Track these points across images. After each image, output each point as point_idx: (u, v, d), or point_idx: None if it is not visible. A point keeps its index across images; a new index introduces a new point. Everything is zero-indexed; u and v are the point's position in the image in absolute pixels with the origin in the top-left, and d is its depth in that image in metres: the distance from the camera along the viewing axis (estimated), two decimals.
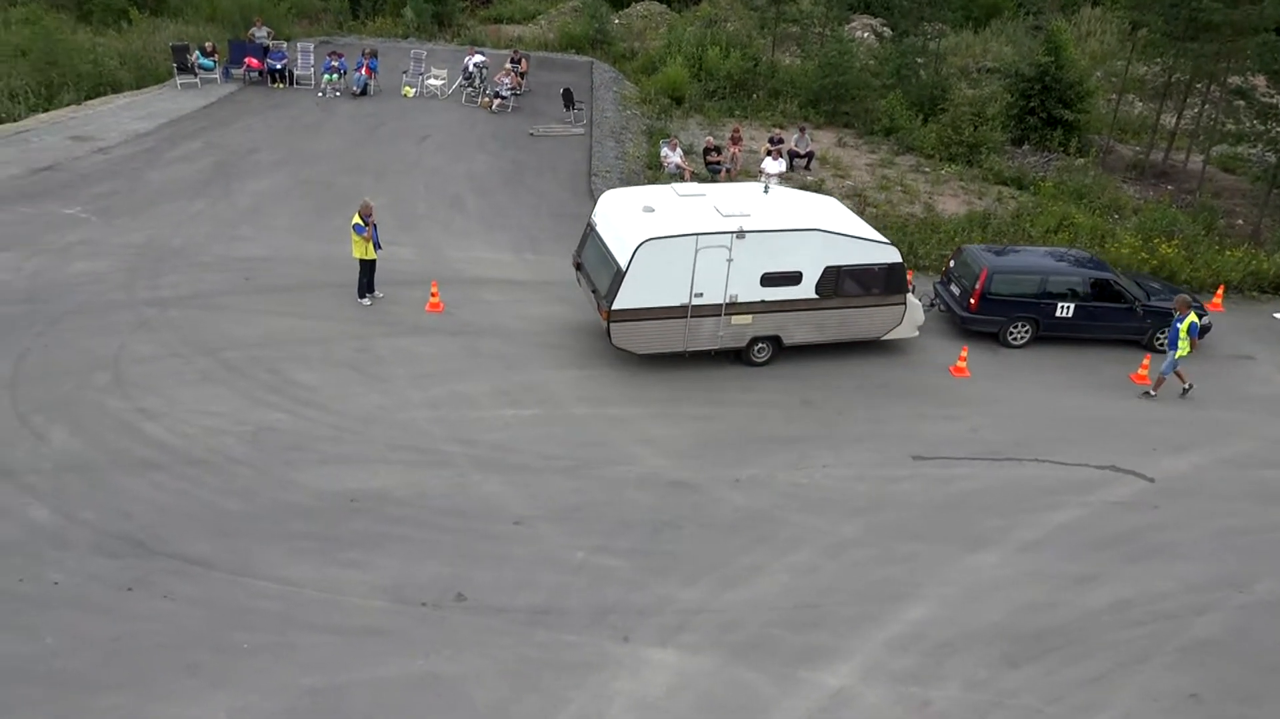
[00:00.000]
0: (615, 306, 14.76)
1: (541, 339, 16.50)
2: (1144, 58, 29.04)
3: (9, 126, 24.11)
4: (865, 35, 35.86)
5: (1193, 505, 13.90)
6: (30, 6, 30.28)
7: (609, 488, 13.12)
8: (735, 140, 25.16)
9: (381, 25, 36.30)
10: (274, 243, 19.08)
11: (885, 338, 16.78)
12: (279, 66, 28.89)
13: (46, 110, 25.43)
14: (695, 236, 14.80)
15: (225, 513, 11.91)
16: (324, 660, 10.05)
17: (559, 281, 18.27)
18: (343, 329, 16.12)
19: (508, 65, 29.68)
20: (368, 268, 16.87)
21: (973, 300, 17.39)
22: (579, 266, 16.47)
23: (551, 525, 12.31)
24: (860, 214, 22.60)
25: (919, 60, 30.48)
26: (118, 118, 25.36)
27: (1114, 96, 31.51)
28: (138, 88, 28.00)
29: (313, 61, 29.44)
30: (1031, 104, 28.71)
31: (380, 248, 16.89)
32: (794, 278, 15.55)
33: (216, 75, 28.73)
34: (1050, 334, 17.77)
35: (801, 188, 24.55)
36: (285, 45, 30.32)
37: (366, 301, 16.98)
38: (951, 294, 18.12)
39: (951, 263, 18.66)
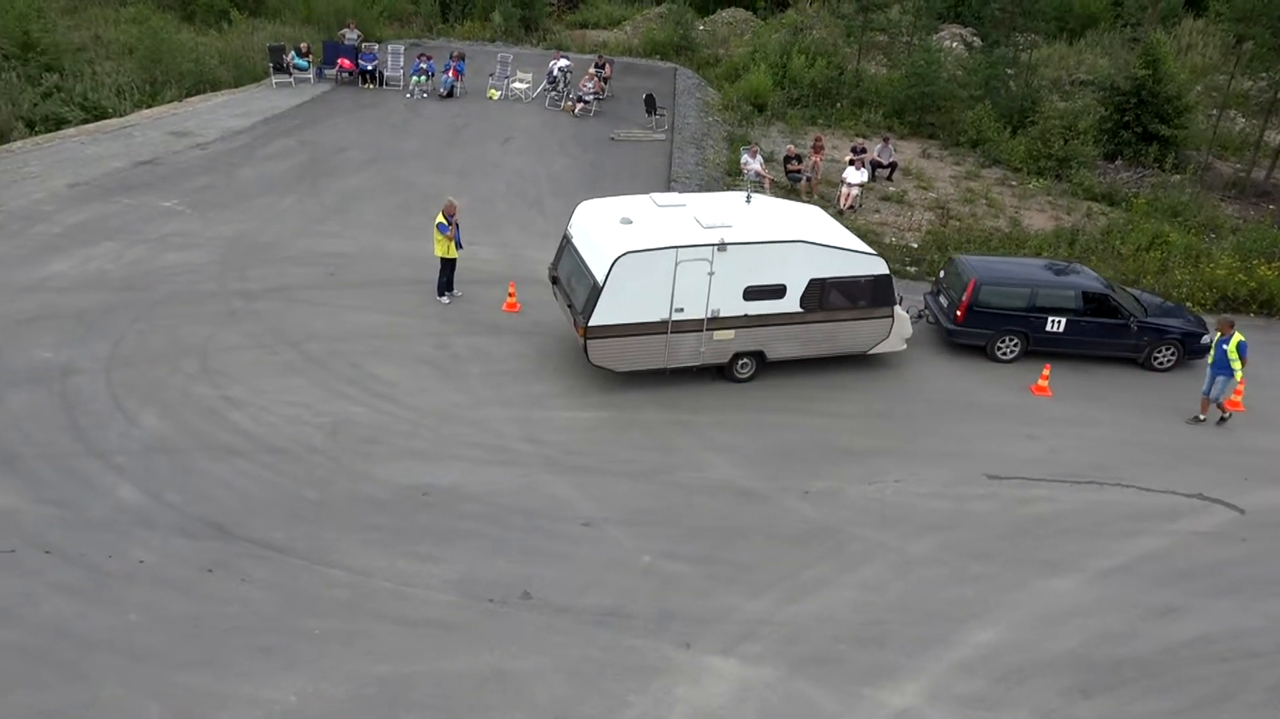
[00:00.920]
0: (592, 323, 14.14)
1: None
2: (1249, 72, 27.98)
3: (115, 121, 25.16)
4: (954, 45, 35.22)
5: None
6: (139, 6, 31.59)
7: (678, 494, 13.10)
8: (817, 149, 24.93)
9: (470, 29, 36.94)
10: (358, 239, 19.54)
11: (872, 352, 16.20)
12: (370, 67, 29.61)
13: (150, 106, 26.48)
14: (675, 249, 14.23)
15: (302, 501, 12.22)
16: (392, 650, 10.23)
17: None
18: (421, 326, 16.41)
19: (592, 70, 29.92)
20: (448, 266, 17.15)
21: (959, 312, 16.77)
22: (555, 280, 15.84)
23: (619, 528, 12.34)
24: (943, 227, 22.39)
25: (1009, 71, 29.85)
26: (216, 115, 26.28)
27: (1214, 112, 30.38)
28: (236, 86, 28.98)
29: (402, 63, 30.09)
30: (1126, 118, 27.88)
31: (462, 247, 17.17)
32: (778, 291, 14.99)
33: (310, 75, 29.58)
34: (1040, 349, 17.09)
35: (883, 199, 24.27)
36: (376, 47, 31.05)
37: (445, 300, 17.26)
38: (940, 305, 17.50)
39: (942, 273, 18.07)
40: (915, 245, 21.53)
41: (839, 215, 22.84)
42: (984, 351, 17.07)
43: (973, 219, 23.33)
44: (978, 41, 33.23)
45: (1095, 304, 17.00)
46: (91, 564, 10.93)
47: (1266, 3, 26.25)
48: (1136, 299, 17.79)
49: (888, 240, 21.76)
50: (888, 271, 15.55)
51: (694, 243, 14.35)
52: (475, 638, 10.49)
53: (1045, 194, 25.33)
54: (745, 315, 14.98)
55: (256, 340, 15.61)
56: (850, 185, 23.27)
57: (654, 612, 11.08)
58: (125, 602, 10.48)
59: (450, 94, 28.97)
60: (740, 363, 15.45)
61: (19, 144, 23.14)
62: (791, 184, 24.13)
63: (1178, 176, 26.41)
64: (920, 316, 17.49)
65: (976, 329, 16.88)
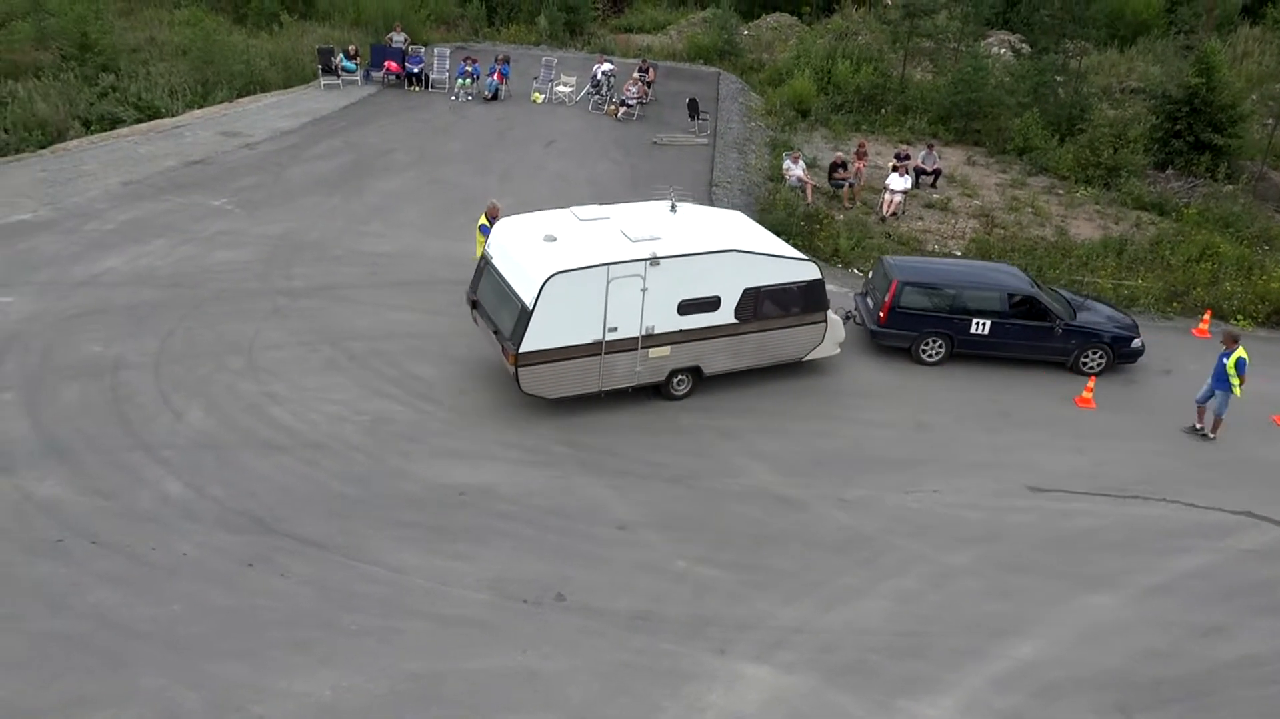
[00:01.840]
0: (523, 349, 13.37)
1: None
2: None
3: (168, 121, 25.67)
4: (1002, 51, 34.82)
5: None
6: (193, 9, 32.20)
7: (714, 499, 13.07)
8: (860, 155, 24.78)
9: (515, 32, 37.21)
10: (401, 239, 19.75)
11: (807, 359, 15.87)
12: (416, 70, 29.93)
13: (201, 107, 26.99)
14: (606, 267, 13.54)
15: (341, 497, 12.36)
16: (426, 647, 10.31)
17: None
18: (461, 326, 16.51)
19: (635, 74, 30.00)
20: None
21: (882, 314, 16.56)
22: (474, 305, 15.00)
23: (654, 532, 12.34)
24: (987, 235, 22.12)
25: (1058, 79, 29.41)
26: (265, 115, 26.72)
27: (1270, 121, 29.69)
28: (285, 87, 29.45)
29: (448, 66, 30.39)
30: (1178, 127, 27.32)
31: None
32: (712, 303, 14.51)
33: (357, 77, 29.97)
34: (965, 352, 16.87)
35: (927, 206, 24.04)
36: (423, 50, 31.38)
37: None
38: (866, 307, 17.29)
39: (870, 274, 17.89)
40: (959, 254, 21.30)
41: (881, 222, 22.71)
42: (909, 353, 16.86)
43: (1018, 227, 23.03)
44: (1026, 48, 32.82)
45: (1022, 306, 16.75)
46: (136, 555, 11.15)
47: None
48: (1068, 302, 17.46)
49: (930, 248, 21.55)
50: (820, 276, 15.25)
51: (625, 259, 13.71)
52: (509, 637, 10.54)
53: (1093, 203, 24.93)
54: (680, 330, 14.43)
55: (300, 338, 15.83)
56: (893, 192, 23.08)
57: (688, 617, 11.05)
58: (168, 593, 10.67)
59: (495, 97, 29.20)
60: (676, 379, 14.89)
61: (75, 143, 23.70)
62: (834, 190, 23.98)
63: (1230, 187, 25.84)
64: (849, 318, 17.12)
65: (899, 330, 16.68)
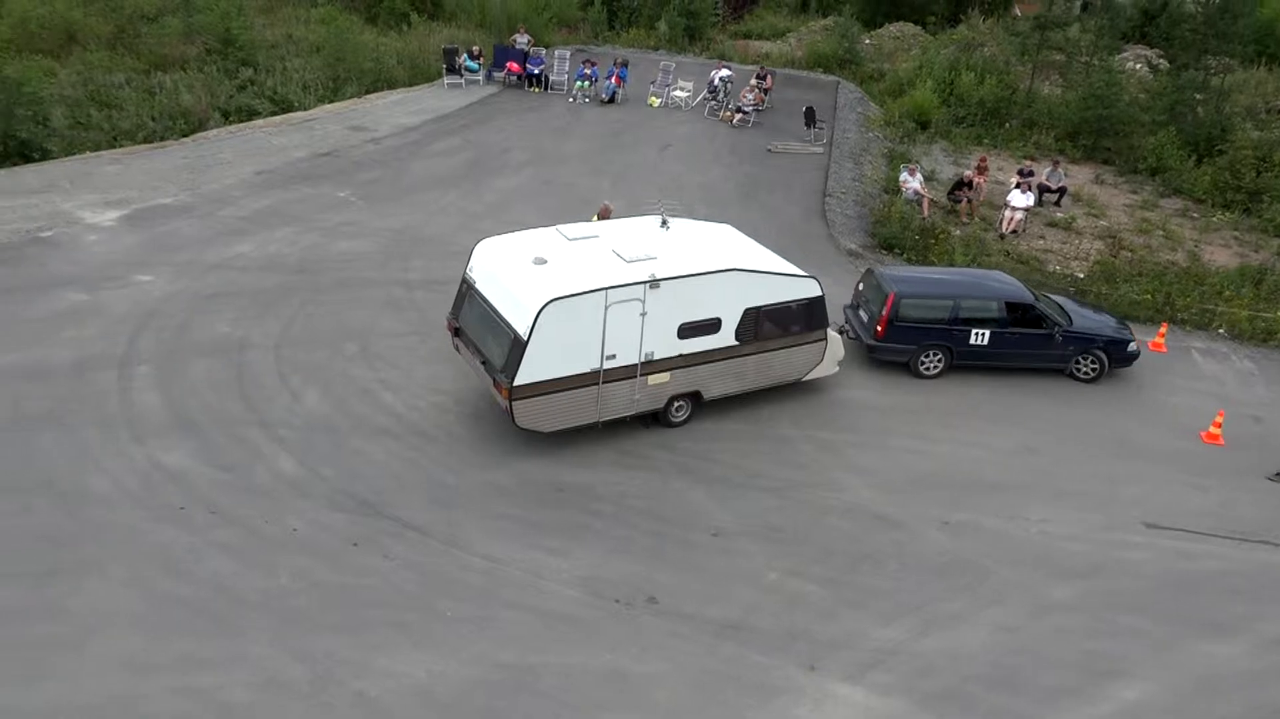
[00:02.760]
0: (518, 382, 12.48)
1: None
2: None
3: (299, 114, 26.77)
4: (1138, 67, 33.43)
5: None
6: (328, 8, 33.52)
7: (811, 512, 12.91)
8: (981, 170, 24.13)
9: (635, 36, 37.54)
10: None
11: (806, 378, 15.13)
12: (536, 72, 30.48)
13: (331, 102, 28.05)
14: (604, 291, 12.68)
15: (444, 486, 12.66)
16: (518, 638, 10.47)
17: None
18: None
19: (753, 81, 29.89)
20: None
21: (879, 327, 15.92)
22: (457, 332, 14.12)
23: (749, 541, 12.25)
24: (1113, 257, 21.26)
25: (1197, 96, 28.08)
26: (390, 112, 27.61)
27: None
28: (410, 85, 30.36)
29: (567, 68, 30.84)
30: None
31: None
32: (713, 325, 13.74)
33: (479, 77, 30.69)
34: (965, 363, 16.31)
35: (1049, 224, 23.25)
36: (544, 52, 31.93)
37: None
38: (860, 320, 16.60)
39: (860, 285, 17.07)
40: (1081, 275, 20.52)
41: (1000, 239, 22.06)
42: (907, 368, 16.26)
43: (1147, 250, 22.08)
44: (1164, 64, 31.46)
45: (1019, 314, 16.27)
46: (251, 527, 11.65)
47: None
48: (1061, 307, 17.03)
49: (1051, 268, 20.83)
50: (821, 293, 14.54)
51: (624, 281, 12.88)
52: (599, 636, 10.62)
53: (1231, 229, 23.71)
54: (681, 355, 13.68)
55: (412, 328, 16.29)
56: (1014, 209, 22.40)
57: (779, 629, 10.94)
58: (278, 566, 11.11)
59: (612, 100, 29.50)
60: (675, 406, 14.15)
61: (215, 132, 24.92)
62: (952, 205, 23.41)
63: None
64: (841, 332, 16.39)
65: (898, 344, 16.07)
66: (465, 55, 30.73)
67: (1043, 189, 24.22)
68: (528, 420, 12.91)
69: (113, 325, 15.51)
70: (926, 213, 22.73)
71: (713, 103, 29.56)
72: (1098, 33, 32.15)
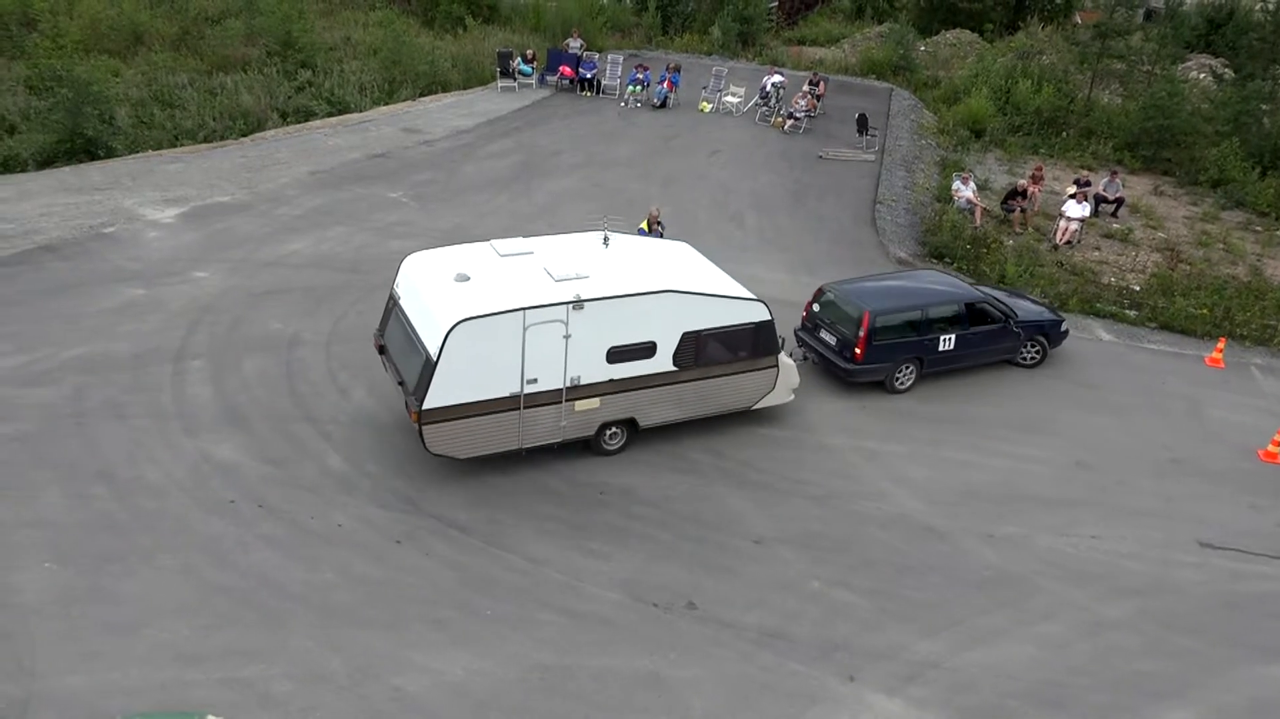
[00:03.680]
0: (427, 406, 11.77)
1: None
2: None
3: (355, 116, 27.19)
4: (1201, 76, 32.65)
5: None
6: (386, 11, 34.00)
7: (855, 522, 12.78)
8: (1036, 179, 23.74)
9: (688, 41, 37.54)
10: None
11: (756, 407, 14.32)
12: (589, 76, 30.61)
13: (386, 104, 28.44)
14: (522, 312, 11.96)
15: (485, 484, 12.74)
16: (556, 640, 10.50)
17: None
18: None
19: (805, 87, 29.74)
20: None
21: (858, 350, 15.15)
22: (382, 350, 13.49)
23: (791, 550, 12.17)
24: (1170, 270, 20.78)
25: (1264, 107, 27.34)
26: (444, 114, 27.92)
27: None
28: (464, 88, 30.68)
29: (620, 72, 30.93)
30: None
31: None
32: (647, 349, 12.94)
33: (533, 80, 30.92)
34: (933, 370, 16.01)
35: (1105, 236, 22.81)
36: (597, 56, 32.08)
37: None
38: (825, 343, 15.80)
39: (815, 306, 16.17)
40: (1137, 288, 20.09)
41: (1054, 250, 21.68)
42: (883, 386, 15.72)
43: (1206, 264, 21.54)
44: (1229, 73, 30.68)
45: (976, 313, 16.07)
46: (296, 522, 11.84)
47: None
48: (998, 298, 16.76)
49: (1106, 280, 20.42)
50: (770, 317, 13.67)
51: (544, 302, 12.14)
52: (637, 639, 10.61)
53: None
54: (611, 380, 12.89)
55: None
56: (1070, 219, 22.00)
57: (818, 639, 10.85)
58: (322, 560, 11.28)
59: (663, 104, 29.53)
60: (609, 433, 13.38)
61: (272, 132, 25.41)
62: (1005, 214, 23.06)
63: None
64: (805, 358, 16.00)
65: (877, 364, 15.43)
66: (519, 59, 30.99)
67: (1099, 200, 23.76)
68: (440, 446, 12.19)
69: (169, 320, 15.87)
70: (979, 222, 22.41)
71: (764, 108, 29.44)
72: (1160, 41, 31.51)
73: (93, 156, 22.66)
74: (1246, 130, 26.91)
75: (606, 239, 13.98)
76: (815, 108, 29.18)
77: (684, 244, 15.16)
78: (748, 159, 25.85)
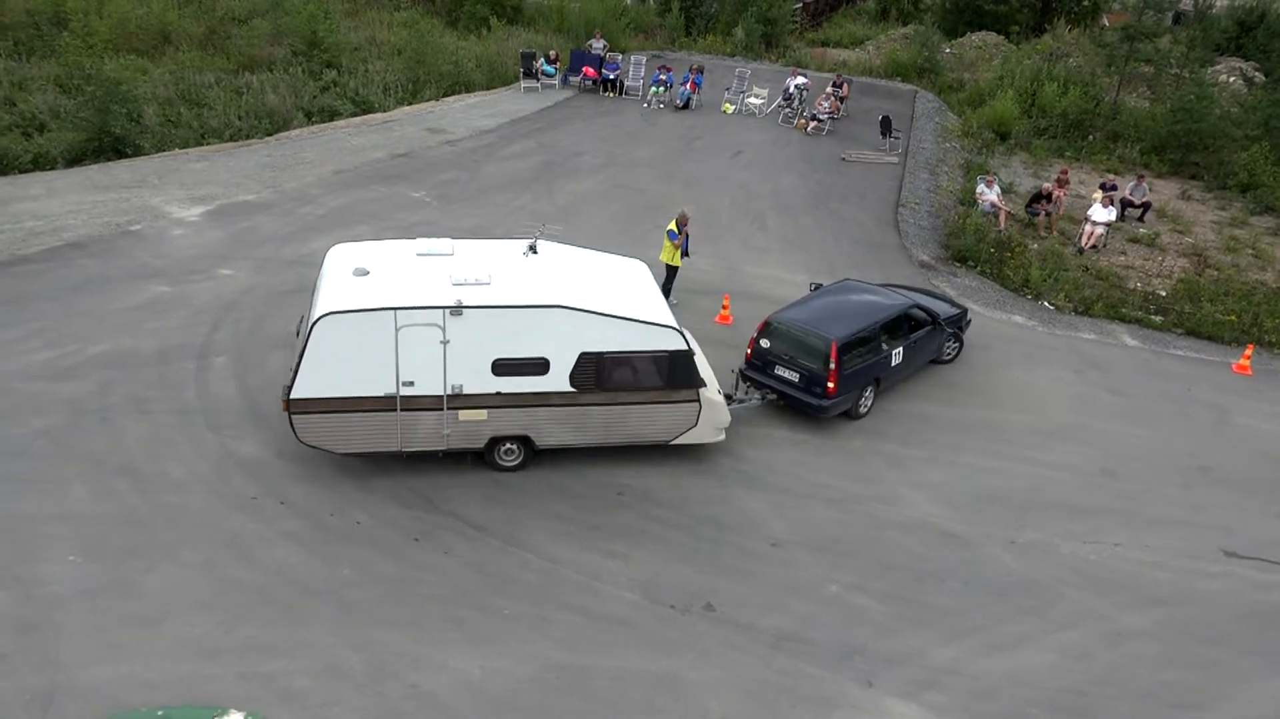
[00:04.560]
0: (294, 395, 11.76)
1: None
2: None
3: (379, 116, 27.35)
4: (1231, 80, 32.28)
5: None
6: (411, 11, 34.17)
7: (874, 526, 12.71)
8: (1061, 183, 23.55)
9: (711, 42, 37.51)
10: (584, 240, 20.18)
11: (676, 442, 13.24)
12: (612, 77, 30.65)
13: (410, 104, 28.60)
14: (394, 311, 11.70)
15: (506, 485, 12.77)
16: (573, 640, 10.51)
17: None
18: None
19: (829, 89, 29.64)
20: (671, 273, 17.50)
21: (830, 384, 14.06)
22: (298, 333, 13.32)
23: (809, 553, 12.12)
24: (1198, 276, 20.54)
25: None
26: (467, 114, 28.03)
27: None
28: (488, 88, 30.80)
29: (643, 74, 30.96)
30: None
31: (688, 255, 17.54)
32: (538, 365, 12.29)
33: (556, 81, 31.01)
34: (885, 388, 15.38)
35: (1131, 240, 22.59)
36: (620, 57, 32.10)
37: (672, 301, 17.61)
38: (785, 381, 14.49)
39: (763, 341, 14.76)
40: (1163, 293, 19.88)
41: (1079, 254, 21.49)
42: (847, 415, 14.81)
43: (1234, 270, 21.29)
44: (1260, 77, 30.31)
45: (912, 320, 15.52)
46: (317, 519, 11.91)
47: None
48: (912, 298, 16.21)
49: (1132, 285, 20.23)
50: (687, 348, 12.71)
51: (420, 304, 11.82)
52: (654, 641, 10.60)
53: None
54: (498, 393, 12.33)
55: None
56: (1095, 223, 21.80)
57: (836, 643, 10.80)
58: (341, 557, 11.34)
59: (686, 105, 29.52)
60: (503, 448, 12.84)
61: (297, 132, 25.60)
62: (1030, 218, 22.89)
63: None
64: (764, 398, 14.74)
65: (844, 396, 14.36)
66: (542, 60, 31.07)
67: (1125, 204, 23.54)
68: (313, 438, 12.14)
69: (194, 317, 16.01)
70: (1003, 225, 22.25)
71: (787, 110, 29.38)
72: (1189, 44, 31.20)
73: (120, 155, 22.91)
74: (1277, 134, 26.57)
75: (533, 248, 13.44)
76: (838, 110, 29.08)
77: (636, 261, 14.32)
78: (770, 161, 25.79)
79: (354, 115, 27.16)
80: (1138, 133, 28.44)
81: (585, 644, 10.48)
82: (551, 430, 12.77)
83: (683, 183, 23.68)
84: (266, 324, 16.01)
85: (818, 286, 16.47)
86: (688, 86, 29.67)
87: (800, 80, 29.93)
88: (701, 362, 13.55)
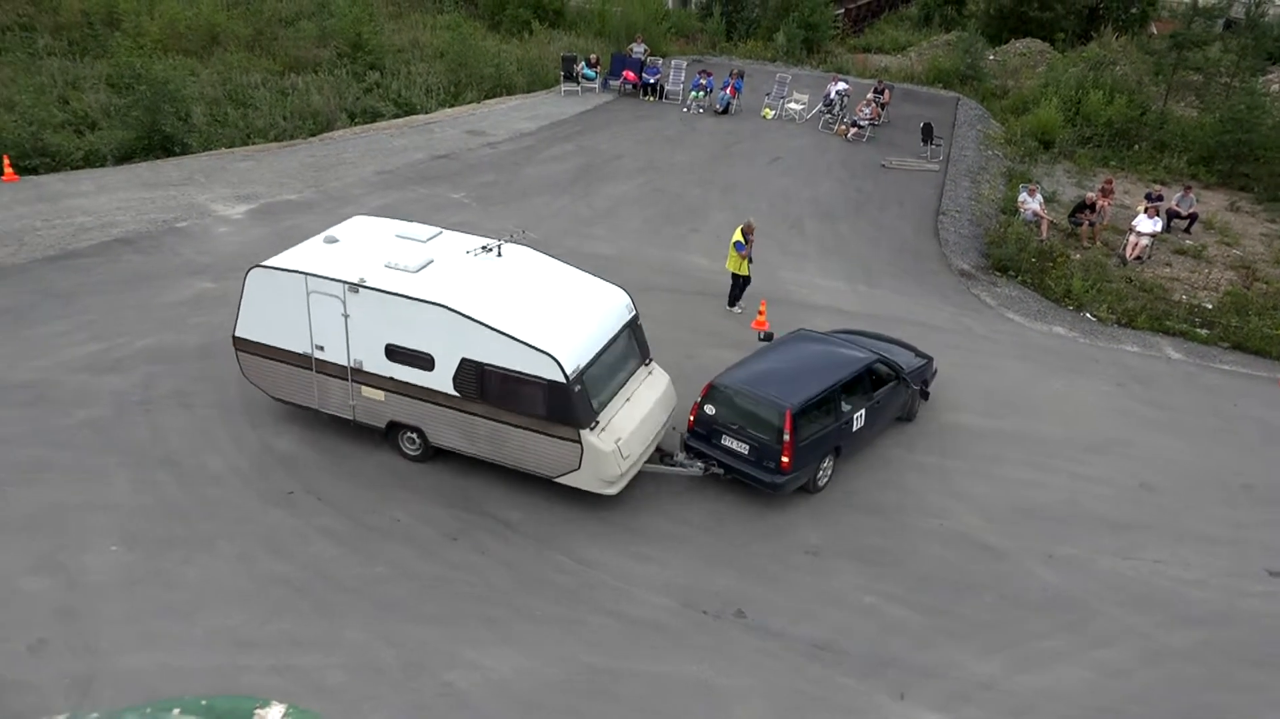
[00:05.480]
0: (235, 334, 13.06)
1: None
2: None
3: (421, 118, 27.59)
4: None
5: None
6: (454, 14, 34.45)
7: (911, 537, 12.59)
8: (1106, 193, 23.21)
9: (752, 47, 37.44)
10: (621, 244, 20.27)
11: (560, 481, 12.19)
12: (652, 81, 30.69)
13: (451, 106, 28.83)
14: (305, 277, 12.31)
15: (543, 486, 12.79)
16: (606, 643, 10.51)
17: (889, 317, 17.86)
18: (670, 333, 16.74)
19: (870, 95, 29.46)
20: (740, 281, 17.56)
21: (785, 458, 12.29)
22: None
23: (845, 562, 12.03)
24: (1245, 289, 20.14)
25: None
26: (507, 117, 28.19)
27: None
28: (528, 91, 30.97)
29: (683, 78, 30.96)
30: None
31: (751, 262, 17.61)
32: (424, 360, 12.15)
33: (596, 85, 31.09)
34: (846, 456, 13.58)
35: (1177, 252, 22.22)
36: (660, 61, 32.13)
37: (736, 310, 17.77)
38: (733, 453, 12.78)
39: (707, 408, 12.97)
40: (1209, 306, 19.52)
41: (1122, 265, 21.17)
42: (805, 489, 13.03)
43: None
44: None
45: (875, 376, 13.75)
46: (354, 515, 12.02)
47: None
48: (875, 350, 14.33)
49: (1177, 297, 19.88)
50: (563, 380, 11.51)
51: (326, 275, 12.28)
52: (686, 647, 10.57)
53: None
54: (392, 379, 12.46)
55: None
56: (1140, 234, 21.47)
57: (870, 654, 10.70)
58: (378, 554, 11.43)
59: (725, 110, 29.48)
60: (405, 435, 12.88)
61: (340, 132, 25.90)
62: (1073, 228, 22.59)
63: None
64: (707, 470, 13.03)
65: (803, 470, 12.64)
66: (583, 63, 31.18)
67: (1171, 215, 23.15)
68: (252, 375, 13.29)
69: (236, 313, 16.19)
70: (1045, 234, 21.98)
71: (827, 116, 29.24)
72: (1240, 53, 30.58)
73: (168, 153, 23.32)
74: None
75: (499, 250, 13.28)
76: (879, 116, 28.89)
77: (614, 289, 13.29)
78: (809, 166, 25.68)
79: (396, 117, 27.43)
80: (1185, 143, 27.98)
81: (617, 648, 10.48)
82: (442, 431, 12.61)
83: (721, 188, 23.64)
84: None
85: (769, 338, 15.14)
86: (727, 91, 29.64)
87: (841, 86, 29.78)
88: (645, 409, 12.57)
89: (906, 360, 14.76)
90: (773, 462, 12.42)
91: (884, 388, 13.82)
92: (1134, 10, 42.32)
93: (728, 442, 12.80)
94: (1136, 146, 28.51)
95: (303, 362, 12.85)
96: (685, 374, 15.58)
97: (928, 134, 27.04)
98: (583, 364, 11.85)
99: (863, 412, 13.35)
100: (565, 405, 11.69)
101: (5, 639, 9.81)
